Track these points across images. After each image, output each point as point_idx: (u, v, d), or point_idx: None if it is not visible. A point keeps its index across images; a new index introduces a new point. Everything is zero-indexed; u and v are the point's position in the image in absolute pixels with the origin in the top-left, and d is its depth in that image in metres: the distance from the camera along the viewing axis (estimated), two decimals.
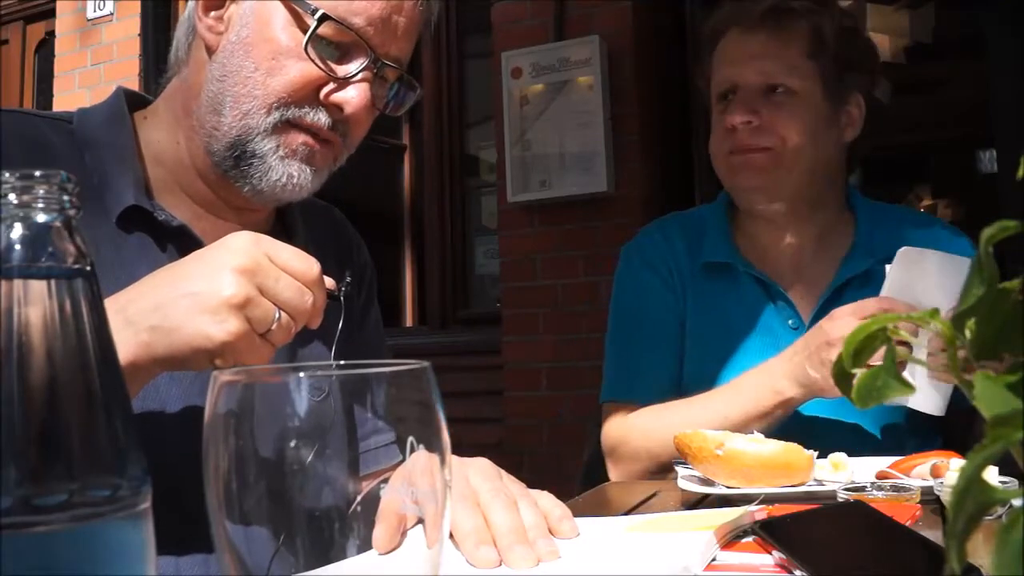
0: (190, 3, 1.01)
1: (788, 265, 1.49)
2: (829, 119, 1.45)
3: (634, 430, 1.42)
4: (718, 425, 1.19)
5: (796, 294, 1.46)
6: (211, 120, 0.97)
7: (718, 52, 1.50)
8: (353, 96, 0.96)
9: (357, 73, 0.96)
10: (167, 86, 1.06)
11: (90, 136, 0.99)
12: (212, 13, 0.99)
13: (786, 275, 1.48)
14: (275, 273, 0.77)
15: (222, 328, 0.75)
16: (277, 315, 0.77)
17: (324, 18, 0.93)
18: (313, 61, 0.94)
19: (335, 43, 0.96)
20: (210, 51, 0.98)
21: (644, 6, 3.42)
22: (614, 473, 1.47)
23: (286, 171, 0.97)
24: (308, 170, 0.98)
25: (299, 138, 0.96)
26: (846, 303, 1.40)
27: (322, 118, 0.96)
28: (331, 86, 0.96)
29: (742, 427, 1.21)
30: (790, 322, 1.43)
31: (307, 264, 0.79)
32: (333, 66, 0.96)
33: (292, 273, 0.78)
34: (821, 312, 1.41)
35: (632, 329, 1.53)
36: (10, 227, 0.39)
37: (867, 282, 1.42)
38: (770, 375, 1.28)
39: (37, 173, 0.39)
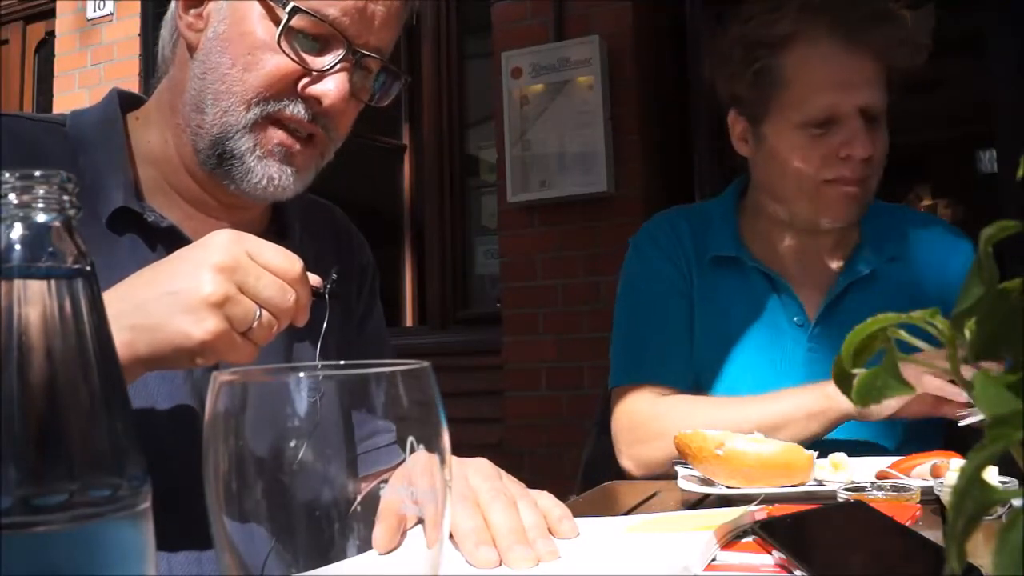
0: (172, 2, 1.01)
1: (794, 262, 1.48)
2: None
3: (661, 416, 1.37)
4: (757, 424, 1.17)
5: (802, 291, 1.45)
6: (195, 118, 0.97)
7: (803, 65, 1.38)
8: (330, 88, 0.95)
9: (333, 65, 0.95)
10: (157, 86, 1.06)
11: (83, 138, 0.99)
12: (192, 11, 0.99)
13: (792, 272, 1.47)
14: (256, 271, 0.76)
15: (201, 327, 0.74)
16: (258, 313, 0.76)
17: (296, 11, 0.93)
18: (287, 54, 0.94)
19: (312, 35, 0.95)
20: (191, 49, 0.98)
21: (644, 6, 3.42)
22: (626, 457, 1.42)
23: (266, 173, 0.96)
24: (289, 170, 0.97)
25: (276, 137, 0.96)
26: (851, 303, 1.40)
27: (301, 111, 0.96)
28: (308, 79, 0.95)
29: (784, 428, 1.21)
30: (796, 319, 1.43)
31: (289, 262, 0.78)
32: (309, 58, 0.95)
33: (274, 271, 0.77)
34: (827, 310, 1.41)
35: (647, 312, 1.49)
36: (10, 227, 0.39)
37: (873, 282, 1.42)
38: (826, 383, 1.25)
39: (37, 173, 0.39)
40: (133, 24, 4.78)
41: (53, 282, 0.39)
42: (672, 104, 3.55)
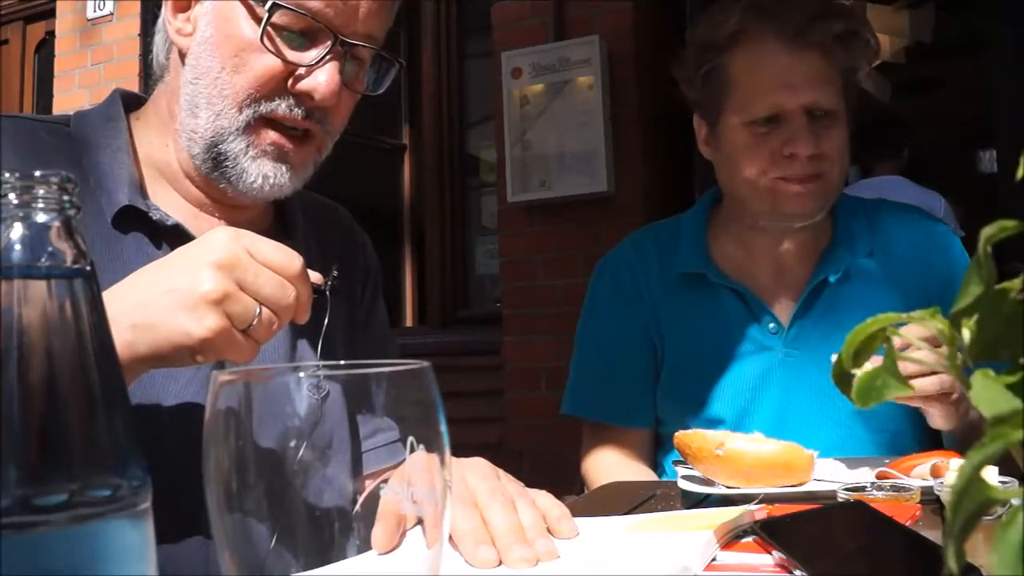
0: (163, 8, 1.01)
1: (766, 270, 1.46)
2: (849, 130, 1.43)
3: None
4: None
5: (775, 295, 1.44)
6: (190, 123, 0.97)
7: (748, 66, 1.39)
8: (320, 82, 0.94)
9: (321, 58, 0.94)
10: (154, 90, 1.06)
11: (86, 138, 0.99)
12: (180, 16, 0.98)
13: (765, 277, 1.46)
14: (255, 268, 0.76)
15: (201, 324, 0.74)
16: (258, 311, 0.76)
17: (276, 7, 0.92)
18: (271, 52, 0.93)
19: (297, 31, 0.94)
20: (182, 54, 0.98)
21: (644, 6, 3.42)
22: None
23: (260, 172, 0.96)
24: (284, 168, 0.97)
25: (269, 137, 0.96)
26: (827, 302, 1.40)
27: (294, 109, 0.95)
28: (298, 74, 0.95)
29: None
30: (771, 327, 1.41)
31: (289, 258, 0.78)
32: (296, 54, 0.94)
33: (273, 268, 0.77)
34: (801, 310, 1.41)
35: (602, 352, 1.53)
36: (10, 227, 0.39)
37: (848, 280, 1.41)
38: None
39: (37, 173, 0.39)
40: (133, 24, 4.79)
41: (53, 282, 0.39)
42: (672, 104, 3.54)
